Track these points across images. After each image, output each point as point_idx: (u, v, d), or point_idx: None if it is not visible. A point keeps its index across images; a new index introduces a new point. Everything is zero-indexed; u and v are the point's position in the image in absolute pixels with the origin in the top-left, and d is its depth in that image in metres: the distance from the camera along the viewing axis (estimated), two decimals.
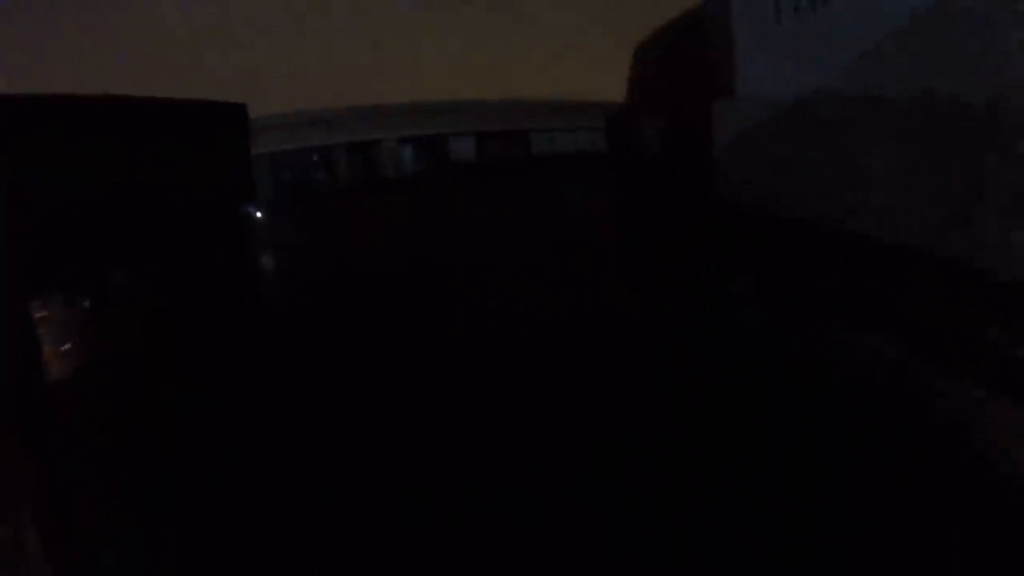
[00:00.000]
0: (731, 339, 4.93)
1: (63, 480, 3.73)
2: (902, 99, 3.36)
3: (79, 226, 5.98)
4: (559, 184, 18.92)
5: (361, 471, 3.67)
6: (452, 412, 4.30)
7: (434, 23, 24.81)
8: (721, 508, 2.97)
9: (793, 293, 4.63)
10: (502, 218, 13.02)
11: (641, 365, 4.92)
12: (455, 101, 23.56)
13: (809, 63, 3.97)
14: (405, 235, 12.07)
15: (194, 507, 3.43)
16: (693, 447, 3.56)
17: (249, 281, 8.52)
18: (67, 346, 5.45)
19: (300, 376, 5.34)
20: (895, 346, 3.63)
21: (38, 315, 5.30)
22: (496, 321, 6.23)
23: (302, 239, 12.00)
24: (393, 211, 16.43)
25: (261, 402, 4.88)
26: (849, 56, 3.64)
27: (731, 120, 5.02)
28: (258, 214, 9.11)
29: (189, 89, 7.98)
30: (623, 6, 22.41)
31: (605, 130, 11.58)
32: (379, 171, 23.27)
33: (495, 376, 4.90)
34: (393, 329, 6.38)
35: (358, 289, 8.11)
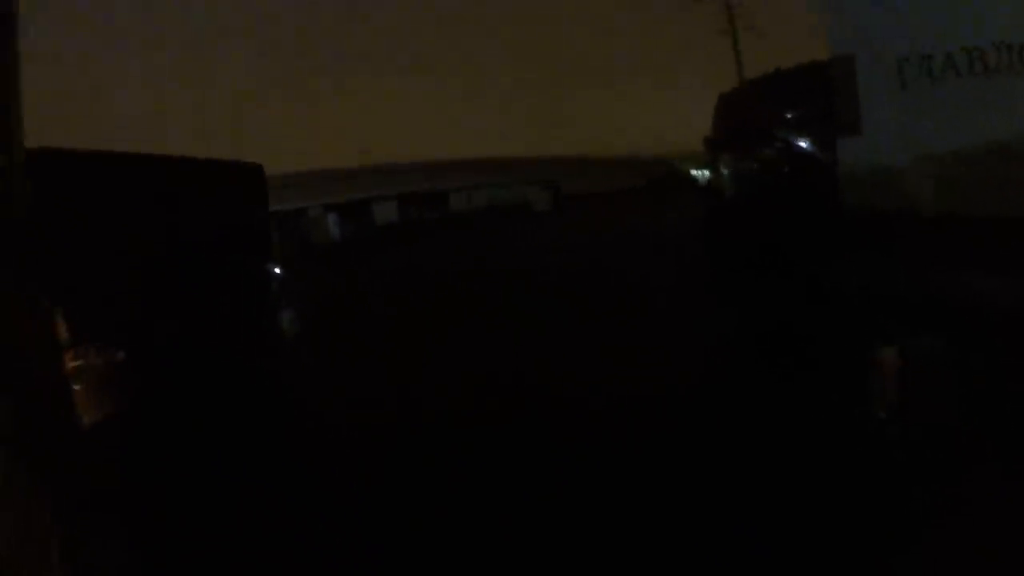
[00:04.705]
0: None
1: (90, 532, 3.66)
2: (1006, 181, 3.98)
3: (106, 280, 6.06)
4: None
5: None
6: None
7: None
8: None
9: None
10: None
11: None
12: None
13: (929, 130, 4.66)
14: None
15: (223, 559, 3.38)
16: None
17: (272, 334, 8.57)
18: (100, 394, 5.41)
19: (327, 421, 5.35)
20: None
21: (73, 364, 5.29)
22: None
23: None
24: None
25: (290, 449, 4.86)
26: (958, 133, 4.37)
27: (857, 155, 5.59)
28: (277, 271, 9.26)
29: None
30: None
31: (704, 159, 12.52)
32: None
33: None
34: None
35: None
